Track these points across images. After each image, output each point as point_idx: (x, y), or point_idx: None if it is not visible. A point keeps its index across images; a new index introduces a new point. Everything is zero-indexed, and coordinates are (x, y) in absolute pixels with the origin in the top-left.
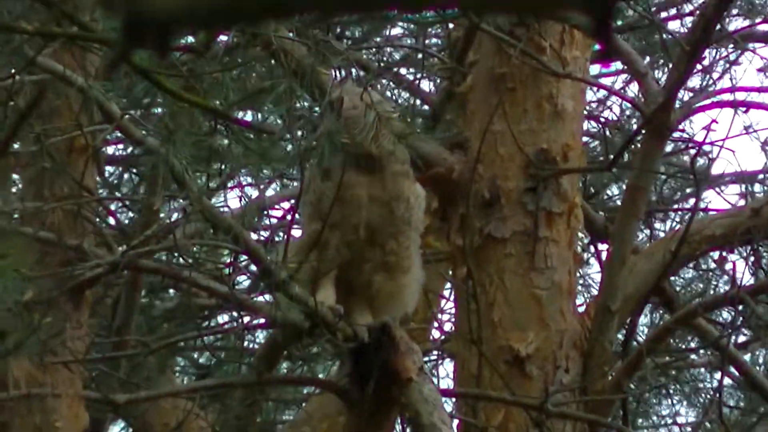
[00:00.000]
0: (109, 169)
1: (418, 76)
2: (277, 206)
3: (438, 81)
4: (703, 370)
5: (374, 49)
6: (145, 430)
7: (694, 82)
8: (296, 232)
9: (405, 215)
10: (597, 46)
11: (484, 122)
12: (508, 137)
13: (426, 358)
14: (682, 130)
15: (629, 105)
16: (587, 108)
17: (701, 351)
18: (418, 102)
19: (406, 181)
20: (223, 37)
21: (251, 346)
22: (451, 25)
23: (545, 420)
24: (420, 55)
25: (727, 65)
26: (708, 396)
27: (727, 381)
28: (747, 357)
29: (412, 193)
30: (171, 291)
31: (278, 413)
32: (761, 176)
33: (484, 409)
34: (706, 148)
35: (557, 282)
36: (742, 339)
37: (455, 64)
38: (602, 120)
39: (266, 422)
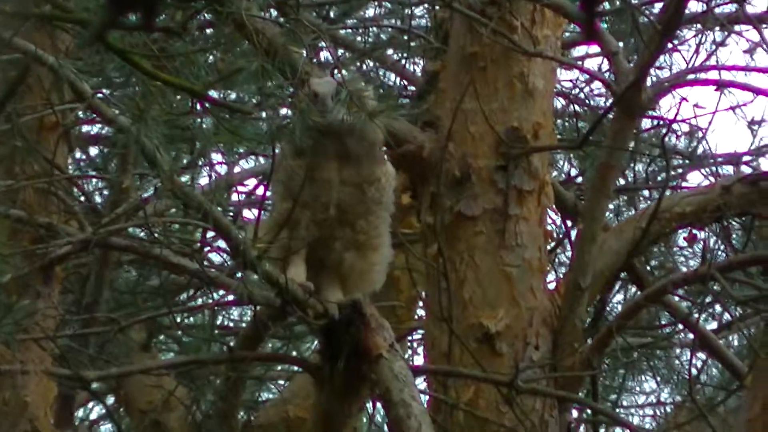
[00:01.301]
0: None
1: (404, 56)
2: (245, 183)
3: (423, 61)
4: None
5: (360, 29)
6: (130, 408)
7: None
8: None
9: (376, 196)
10: (578, 28)
11: (455, 101)
12: (479, 116)
13: (410, 337)
14: (654, 109)
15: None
16: (559, 86)
17: (675, 328)
18: (404, 82)
19: (378, 164)
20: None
21: (226, 323)
22: (437, 7)
23: (515, 396)
24: (405, 36)
25: (714, 47)
26: (680, 373)
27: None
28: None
29: (383, 174)
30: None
31: (261, 392)
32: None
33: (454, 385)
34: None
35: (527, 259)
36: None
37: (440, 44)
38: (572, 98)
39: (249, 401)
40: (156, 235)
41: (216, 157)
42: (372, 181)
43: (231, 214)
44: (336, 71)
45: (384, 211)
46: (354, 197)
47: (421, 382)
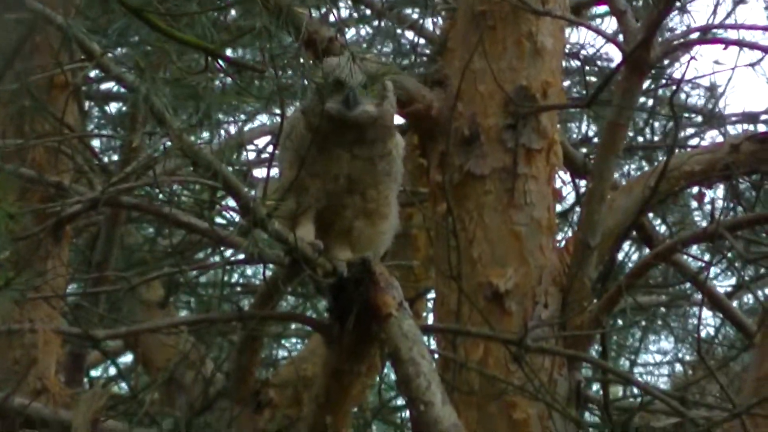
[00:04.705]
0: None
1: (422, 15)
2: (255, 142)
3: (441, 20)
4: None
5: None
6: (148, 366)
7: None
8: (275, 170)
9: (386, 168)
10: None
11: (464, 60)
12: (488, 75)
13: (428, 295)
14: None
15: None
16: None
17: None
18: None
19: (390, 138)
20: None
21: (239, 280)
22: None
23: (524, 355)
24: None
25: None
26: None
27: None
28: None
29: (394, 146)
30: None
31: (279, 350)
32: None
33: (463, 344)
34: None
35: (536, 218)
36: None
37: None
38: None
39: (267, 359)
40: (166, 193)
41: (223, 116)
42: (384, 155)
43: (241, 172)
44: (340, 35)
45: (393, 182)
46: (364, 169)
47: (430, 341)
